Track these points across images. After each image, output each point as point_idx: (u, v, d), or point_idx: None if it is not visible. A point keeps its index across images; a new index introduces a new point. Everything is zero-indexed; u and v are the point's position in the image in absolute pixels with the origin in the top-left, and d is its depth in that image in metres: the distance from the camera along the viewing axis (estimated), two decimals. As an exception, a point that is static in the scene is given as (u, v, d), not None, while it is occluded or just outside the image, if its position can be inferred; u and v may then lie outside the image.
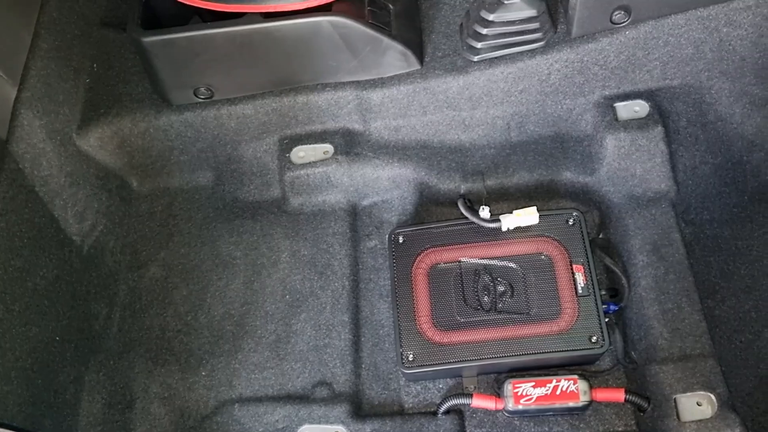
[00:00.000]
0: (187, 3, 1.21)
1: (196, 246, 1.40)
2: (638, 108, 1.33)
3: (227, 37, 1.26)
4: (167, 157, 1.44)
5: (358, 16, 1.26)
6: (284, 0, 1.20)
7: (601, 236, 1.33)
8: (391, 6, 1.32)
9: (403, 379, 1.24)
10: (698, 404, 1.11)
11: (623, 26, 1.26)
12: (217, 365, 1.27)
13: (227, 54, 1.29)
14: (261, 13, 1.24)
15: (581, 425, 1.18)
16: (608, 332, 1.19)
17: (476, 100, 1.34)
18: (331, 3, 1.24)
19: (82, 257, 1.34)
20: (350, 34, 1.26)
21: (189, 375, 1.27)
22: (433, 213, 1.38)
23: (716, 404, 1.10)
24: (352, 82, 1.35)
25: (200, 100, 1.37)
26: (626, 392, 1.15)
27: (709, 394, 1.11)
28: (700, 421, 1.09)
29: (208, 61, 1.30)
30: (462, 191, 1.36)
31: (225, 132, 1.41)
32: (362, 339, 1.29)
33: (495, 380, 1.21)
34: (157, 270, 1.38)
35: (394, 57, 1.31)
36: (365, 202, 1.41)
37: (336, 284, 1.32)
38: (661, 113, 1.32)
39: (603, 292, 1.26)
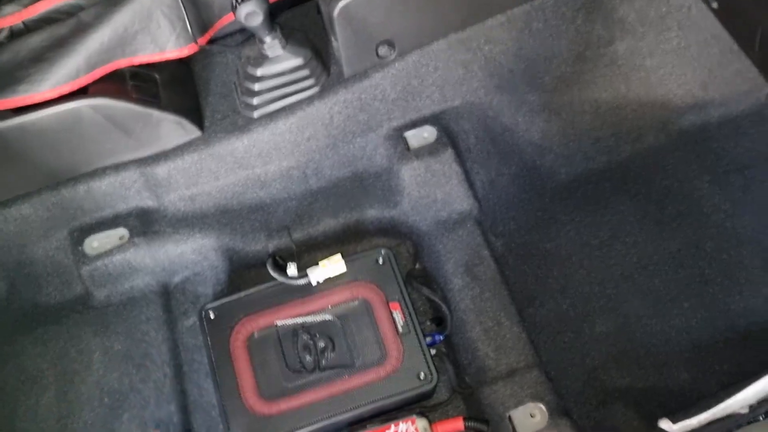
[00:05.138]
0: None
1: None
2: (427, 134, 1.34)
3: (-23, 141, 1.16)
4: (-54, 276, 1.31)
5: (120, 94, 1.19)
6: (31, 91, 1.12)
7: (417, 267, 1.33)
8: (157, 76, 1.27)
9: (244, 459, 1.18)
10: (531, 416, 1.12)
11: (392, 59, 1.27)
12: (36, 494, 1.16)
13: (-18, 158, 1.19)
14: (11, 109, 1.15)
15: (428, 463, 1.16)
16: (438, 363, 1.18)
17: (266, 156, 1.31)
18: (87, 86, 1.17)
19: None
20: (115, 114, 1.19)
21: None
22: (247, 277, 1.33)
23: (547, 413, 1.11)
24: (134, 160, 1.28)
25: (-32, 209, 1.26)
26: (465, 420, 1.14)
27: (539, 404, 1.12)
28: (535, 433, 1.10)
29: (-37, 170, 1.20)
30: (270, 250, 1.32)
31: (6, 237, 1.29)
32: (195, 426, 1.21)
33: (336, 439, 1.18)
34: (-46, 403, 1.25)
35: (170, 128, 1.25)
36: (176, 280, 1.33)
37: (157, 374, 1.24)
38: (449, 135, 1.34)
39: (428, 323, 1.25)
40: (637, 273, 1.30)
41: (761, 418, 1.01)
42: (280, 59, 1.22)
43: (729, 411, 1.03)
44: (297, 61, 1.23)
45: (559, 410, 1.11)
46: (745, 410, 1.03)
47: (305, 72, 1.24)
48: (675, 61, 1.39)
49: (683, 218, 1.34)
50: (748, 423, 1.00)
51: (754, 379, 1.01)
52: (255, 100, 1.26)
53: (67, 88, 1.14)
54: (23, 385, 1.25)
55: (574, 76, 1.37)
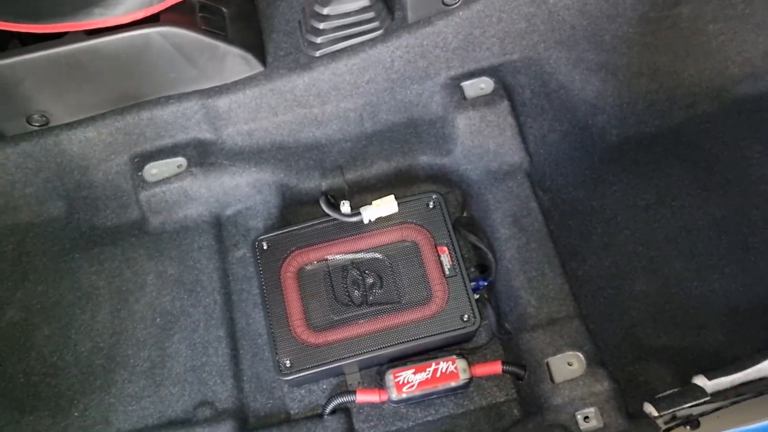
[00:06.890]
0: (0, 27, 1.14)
1: (54, 281, 1.32)
2: (484, 85, 1.36)
3: (51, 60, 1.19)
4: (10, 193, 1.35)
5: (189, 24, 1.22)
6: (105, 15, 1.15)
7: (464, 214, 1.36)
8: (224, 9, 1.29)
9: (287, 385, 1.23)
10: (569, 364, 1.15)
11: (456, 7, 1.28)
12: (90, 403, 1.21)
13: (55, 77, 1.22)
14: (84, 31, 1.18)
15: (465, 402, 1.20)
16: (480, 308, 1.22)
17: (325, 95, 1.33)
18: (158, 13, 1.19)
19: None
20: (184, 43, 1.22)
21: (60, 418, 1.20)
22: (299, 214, 1.37)
23: (584, 362, 1.14)
24: (196, 91, 1.31)
25: (36, 128, 1.30)
26: (503, 363, 1.18)
27: (578, 353, 1.15)
28: (572, 380, 1.13)
29: (35, 87, 1.23)
30: (323, 188, 1.35)
31: (69, 158, 1.34)
32: (241, 351, 1.26)
33: (377, 372, 1.22)
34: (14, 313, 1.30)
35: (235, 61, 1.28)
36: (228, 212, 1.37)
37: (207, 300, 1.29)
38: (505, 88, 1.36)
39: (472, 269, 1.29)
40: (681, 237, 1.31)
41: (793, 385, 1.03)
42: (346, -1, 1.24)
43: (762, 374, 1.06)
44: (363, 2, 1.24)
45: (596, 360, 1.14)
46: (778, 375, 1.05)
47: (371, 14, 1.25)
48: (737, 27, 1.38)
49: (731, 186, 1.35)
50: (779, 389, 1.03)
51: (791, 345, 1.04)
52: (319, 39, 1.28)
53: (140, 14, 1.17)
54: (79, 300, 1.31)
55: (635, 36, 1.37)
